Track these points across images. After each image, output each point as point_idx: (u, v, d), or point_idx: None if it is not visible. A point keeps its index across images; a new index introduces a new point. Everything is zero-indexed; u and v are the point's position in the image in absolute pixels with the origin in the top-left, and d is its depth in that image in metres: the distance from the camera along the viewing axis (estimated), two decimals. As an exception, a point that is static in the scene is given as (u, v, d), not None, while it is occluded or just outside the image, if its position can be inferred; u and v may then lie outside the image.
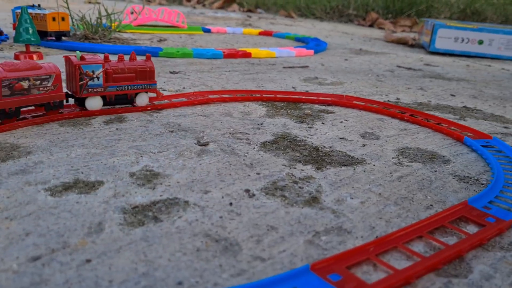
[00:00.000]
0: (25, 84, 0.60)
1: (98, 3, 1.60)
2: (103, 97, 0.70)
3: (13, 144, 0.57)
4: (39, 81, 0.61)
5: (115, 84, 0.70)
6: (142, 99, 0.74)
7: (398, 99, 0.97)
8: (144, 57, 0.76)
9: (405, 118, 0.79)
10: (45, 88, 0.63)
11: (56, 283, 0.32)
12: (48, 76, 0.62)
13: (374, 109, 0.83)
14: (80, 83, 0.67)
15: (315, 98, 0.87)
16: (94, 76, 0.67)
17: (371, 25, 3.13)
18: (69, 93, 0.69)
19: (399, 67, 1.44)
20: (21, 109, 0.63)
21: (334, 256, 0.36)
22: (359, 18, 3.29)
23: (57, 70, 0.64)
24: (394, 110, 0.82)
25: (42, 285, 0.31)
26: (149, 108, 0.75)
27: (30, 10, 1.29)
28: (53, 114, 0.66)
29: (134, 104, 0.74)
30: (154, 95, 0.77)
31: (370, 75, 1.25)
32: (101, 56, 0.70)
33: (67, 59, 0.68)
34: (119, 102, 0.72)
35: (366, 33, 2.56)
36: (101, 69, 0.68)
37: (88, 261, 0.35)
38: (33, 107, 0.66)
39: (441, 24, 1.80)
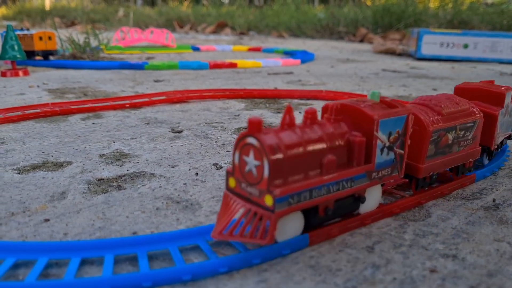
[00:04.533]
0: (450, 137, 0.40)
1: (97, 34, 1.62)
2: None
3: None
4: (463, 131, 0.41)
5: None
6: None
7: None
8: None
9: (383, 106, 0.79)
10: (466, 142, 0.42)
11: (11, 237, 0.32)
12: (472, 123, 0.42)
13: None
14: None
15: (295, 93, 0.87)
16: None
17: (361, 41, 3.17)
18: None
19: (384, 70, 1.45)
20: None
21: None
22: (349, 35, 3.34)
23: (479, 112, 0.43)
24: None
25: (-4, 239, 0.32)
26: (127, 105, 0.76)
27: (17, 32, 1.31)
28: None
29: None
30: None
31: (354, 77, 1.26)
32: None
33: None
34: None
35: (355, 47, 2.59)
36: None
37: (46, 220, 0.35)
38: None
39: (426, 30, 1.82)
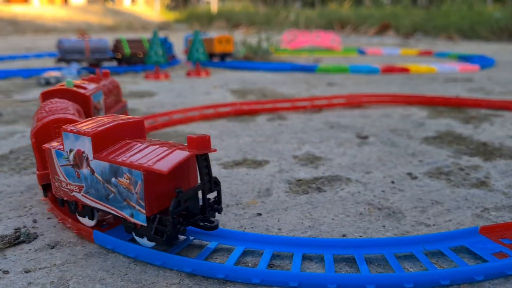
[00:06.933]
0: None
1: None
2: None
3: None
4: None
5: None
6: None
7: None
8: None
9: None
10: None
11: (231, 227, 0.36)
12: None
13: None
14: None
15: (482, 101, 0.82)
16: None
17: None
18: None
19: None
20: None
21: (505, 223, 0.34)
22: (531, 38, 3.02)
23: None
24: None
25: (221, 227, 0.35)
26: (307, 107, 0.78)
27: (202, 36, 1.45)
28: None
29: None
30: None
31: (545, 86, 1.14)
32: None
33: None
34: None
35: (540, 52, 2.33)
36: None
37: (259, 214, 0.38)
38: None
39: None
